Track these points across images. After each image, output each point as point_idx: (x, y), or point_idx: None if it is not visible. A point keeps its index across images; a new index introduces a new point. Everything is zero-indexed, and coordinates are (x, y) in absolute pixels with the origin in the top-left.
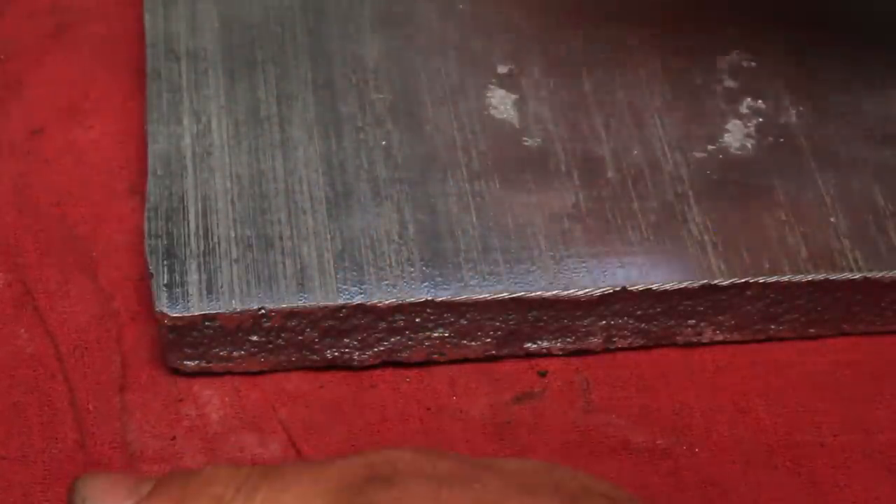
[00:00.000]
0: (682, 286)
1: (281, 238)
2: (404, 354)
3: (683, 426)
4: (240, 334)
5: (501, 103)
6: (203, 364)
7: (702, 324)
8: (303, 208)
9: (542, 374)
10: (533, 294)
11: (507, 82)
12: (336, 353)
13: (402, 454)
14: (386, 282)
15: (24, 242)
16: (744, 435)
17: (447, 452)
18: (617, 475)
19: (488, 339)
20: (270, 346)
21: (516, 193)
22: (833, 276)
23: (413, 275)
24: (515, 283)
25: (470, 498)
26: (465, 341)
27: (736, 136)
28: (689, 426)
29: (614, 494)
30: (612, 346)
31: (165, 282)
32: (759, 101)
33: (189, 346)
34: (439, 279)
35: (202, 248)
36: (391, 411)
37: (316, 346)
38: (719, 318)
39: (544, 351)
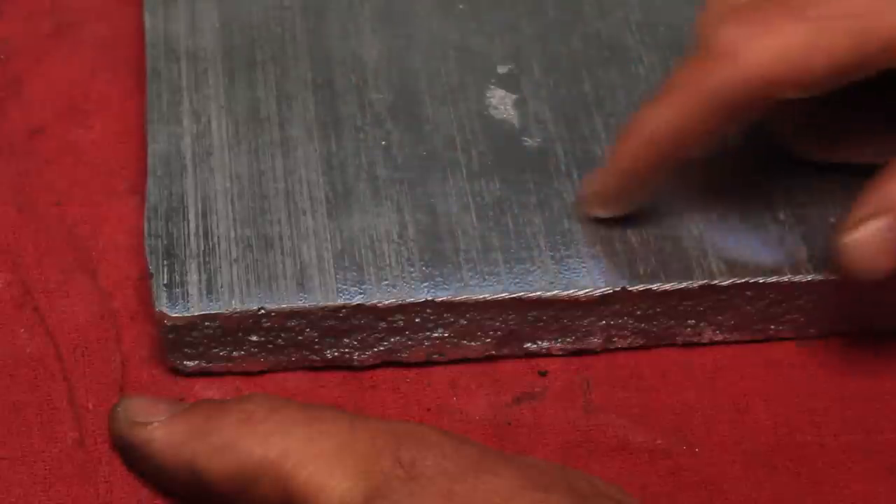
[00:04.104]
0: (682, 286)
1: (281, 238)
2: (404, 354)
3: (683, 426)
4: (240, 334)
5: (501, 103)
6: (203, 364)
7: (702, 324)
8: (302, 208)
9: (543, 374)
10: (533, 294)
11: (507, 82)
12: (336, 353)
13: (430, 433)
14: (386, 282)
15: (24, 242)
16: (744, 435)
17: (469, 439)
18: (617, 475)
19: (488, 339)
20: (270, 346)
21: (516, 193)
22: (833, 276)
23: (413, 275)
24: (515, 283)
25: (482, 492)
26: (465, 341)
27: (736, 135)
28: (689, 426)
29: (623, 499)
30: (612, 346)
31: (165, 282)
32: None
33: (189, 346)
34: (439, 279)
35: (202, 248)
36: (391, 411)
37: (316, 346)
38: (719, 318)
39: (544, 351)
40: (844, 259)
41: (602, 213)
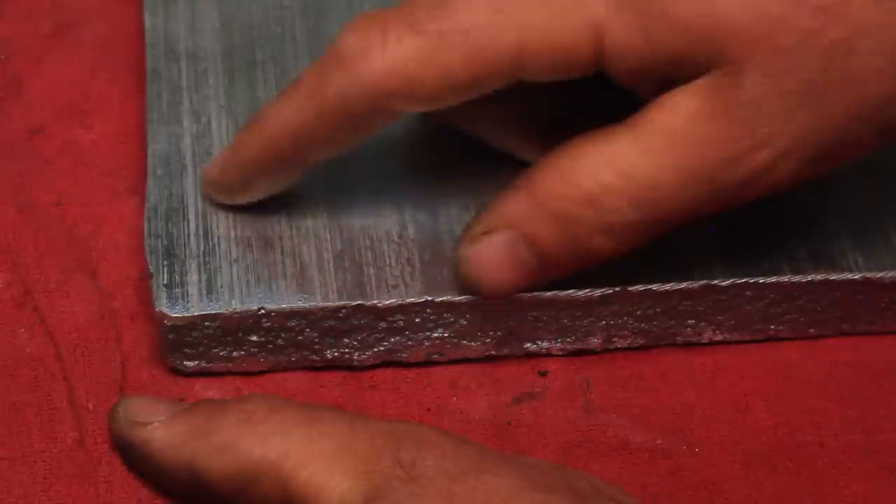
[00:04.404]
0: (682, 286)
1: (281, 238)
2: (404, 354)
3: (683, 426)
4: (240, 334)
5: None
6: (203, 364)
7: (702, 324)
8: (302, 208)
9: (543, 374)
10: (532, 294)
11: None
12: (336, 353)
13: (430, 434)
14: (386, 282)
15: (24, 242)
16: (744, 435)
17: (469, 440)
18: (617, 475)
19: (488, 339)
20: (270, 346)
21: None
22: (833, 276)
23: (413, 275)
24: None
25: (482, 492)
26: (465, 341)
27: None
28: (689, 426)
29: (623, 499)
30: (612, 346)
31: (165, 282)
32: None
33: (189, 346)
34: (439, 279)
35: (202, 248)
36: (391, 412)
37: (316, 346)
38: (719, 318)
39: (544, 351)
40: (463, 272)
41: (223, 199)
